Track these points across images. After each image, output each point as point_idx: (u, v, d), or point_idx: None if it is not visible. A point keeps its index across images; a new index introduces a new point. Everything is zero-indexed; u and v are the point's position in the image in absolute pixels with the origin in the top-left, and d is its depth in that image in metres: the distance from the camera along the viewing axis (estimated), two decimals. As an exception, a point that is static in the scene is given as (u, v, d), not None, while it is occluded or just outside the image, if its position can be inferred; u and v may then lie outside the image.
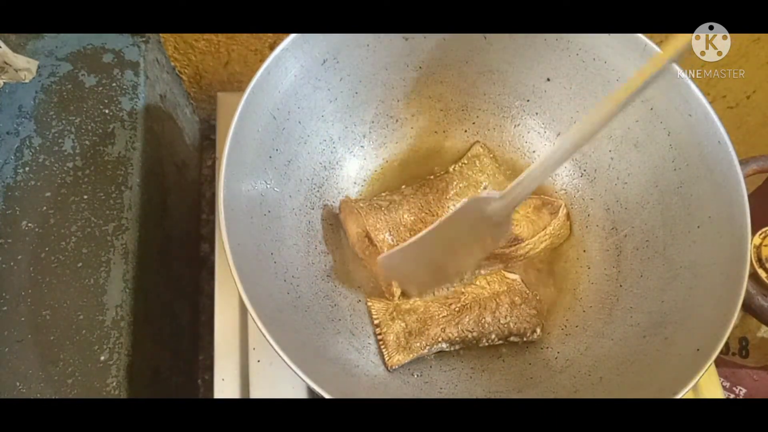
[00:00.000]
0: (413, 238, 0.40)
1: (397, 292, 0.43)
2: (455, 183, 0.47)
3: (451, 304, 0.44)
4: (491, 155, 0.49)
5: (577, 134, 0.34)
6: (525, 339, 0.43)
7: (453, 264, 0.44)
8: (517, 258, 0.46)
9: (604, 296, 0.44)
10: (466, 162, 0.49)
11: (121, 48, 0.52)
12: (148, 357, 0.46)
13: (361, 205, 0.44)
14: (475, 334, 0.43)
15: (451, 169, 0.48)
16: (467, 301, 0.44)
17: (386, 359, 0.41)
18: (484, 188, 0.48)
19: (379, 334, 0.42)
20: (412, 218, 0.45)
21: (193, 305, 0.65)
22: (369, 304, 0.44)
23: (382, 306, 0.44)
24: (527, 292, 0.45)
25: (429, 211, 0.45)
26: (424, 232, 0.40)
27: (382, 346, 0.42)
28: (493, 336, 0.43)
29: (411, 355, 0.41)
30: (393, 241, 0.43)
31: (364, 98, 0.46)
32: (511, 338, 0.43)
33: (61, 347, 0.40)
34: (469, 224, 0.40)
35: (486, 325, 0.43)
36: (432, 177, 0.48)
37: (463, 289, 0.44)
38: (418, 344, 0.42)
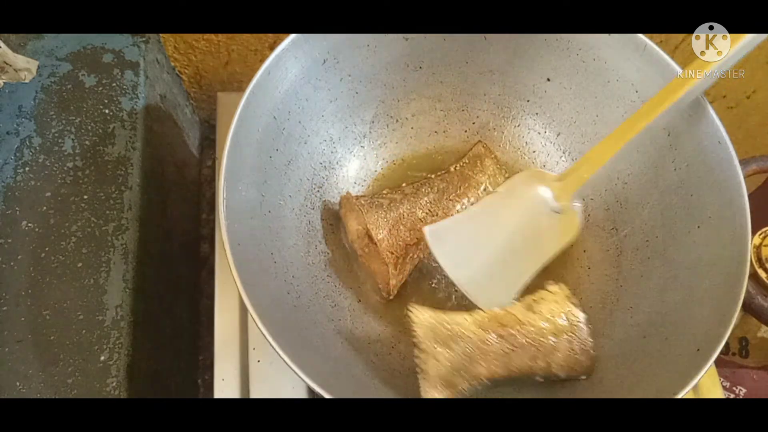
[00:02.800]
0: (467, 211, 0.37)
1: (394, 291, 0.43)
2: (456, 183, 0.47)
3: (505, 338, 0.37)
4: (493, 156, 0.49)
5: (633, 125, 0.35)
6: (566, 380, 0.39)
7: (512, 260, 0.40)
8: None
9: (604, 296, 0.44)
10: (467, 162, 0.49)
11: (121, 48, 0.52)
12: (148, 357, 0.46)
13: (362, 202, 0.44)
14: (520, 375, 0.38)
15: (452, 169, 0.48)
16: (525, 341, 0.37)
17: (421, 392, 0.37)
18: (484, 190, 0.48)
19: (419, 358, 0.37)
20: (411, 218, 0.45)
21: (193, 305, 0.65)
22: (413, 313, 0.38)
23: (430, 323, 0.37)
24: (588, 341, 0.38)
25: (429, 210, 0.45)
26: (478, 205, 0.37)
27: (421, 377, 0.37)
28: (538, 377, 0.38)
29: (450, 394, 0.36)
30: (392, 239, 0.43)
31: (364, 98, 0.46)
32: (554, 379, 0.39)
33: (61, 347, 0.40)
34: (527, 208, 0.38)
35: (536, 369, 0.38)
36: (432, 176, 0.48)
37: (521, 319, 0.38)
38: (462, 382, 0.36)
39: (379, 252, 0.42)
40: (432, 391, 0.36)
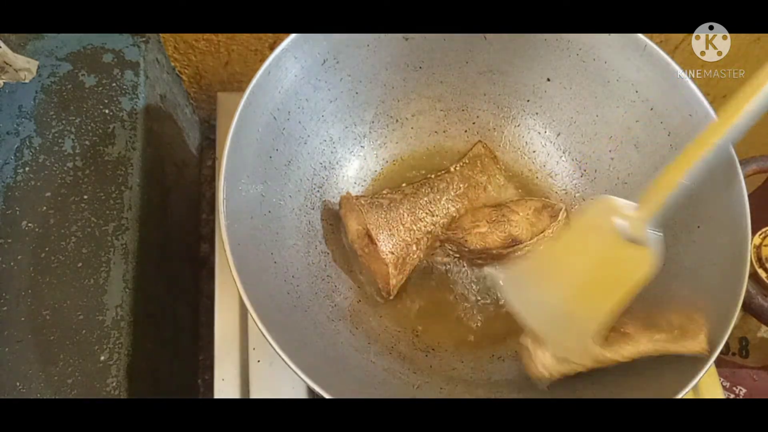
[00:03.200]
0: (536, 254, 0.37)
1: (394, 291, 0.43)
2: (456, 183, 0.47)
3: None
4: (493, 156, 0.49)
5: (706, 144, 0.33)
6: None
7: (583, 302, 0.36)
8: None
9: (604, 296, 0.44)
10: (467, 162, 0.49)
11: (121, 48, 0.52)
12: (148, 357, 0.46)
13: (362, 202, 0.44)
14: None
15: (452, 169, 0.48)
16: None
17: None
18: (484, 189, 0.47)
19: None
20: (411, 218, 0.45)
21: (193, 305, 0.65)
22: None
23: None
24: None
25: (429, 211, 0.45)
26: (548, 245, 0.37)
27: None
28: None
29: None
30: (392, 239, 0.43)
31: (364, 98, 0.46)
32: None
33: (61, 347, 0.40)
34: (598, 240, 0.35)
35: None
36: (432, 176, 0.48)
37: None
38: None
39: (379, 252, 0.43)
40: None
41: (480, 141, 0.50)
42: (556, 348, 0.37)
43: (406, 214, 0.45)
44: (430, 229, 0.45)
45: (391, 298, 0.44)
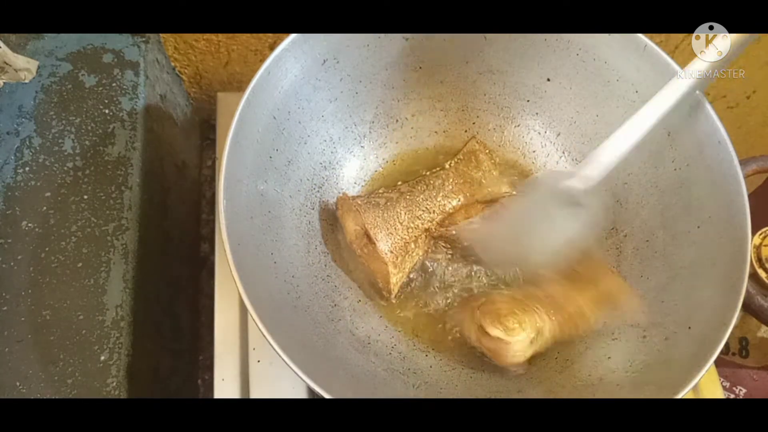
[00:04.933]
0: (496, 215, 0.42)
1: (395, 289, 0.43)
2: (451, 180, 0.47)
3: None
4: (487, 151, 0.49)
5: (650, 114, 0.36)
6: None
7: (532, 247, 0.43)
8: None
9: (604, 296, 0.44)
10: (461, 158, 0.49)
11: (121, 48, 0.52)
12: (148, 357, 0.46)
13: (359, 202, 0.44)
14: None
15: (447, 166, 0.48)
16: None
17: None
18: (479, 184, 0.48)
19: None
20: (408, 216, 0.45)
21: (193, 305, 0.65)
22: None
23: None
24: None
25: (426, 208, 0.45)
26: (504, 208, 0.42)
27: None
28: None
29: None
30: (391, 238, 0.43)
31: (364, 98, 0.46)
32: None
33: (61, 347, 0.40)
34: (543, 203, 0.40)
35: None
36: (428, 173, 0.48)
37: None
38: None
39: (379, 251, 0.43)
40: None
41: (474, 137, 0.50)
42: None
43: (403, 213, 0.45)
44: (427, 227, 0.45)
45: (392, 297, 0.44)
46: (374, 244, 0.43)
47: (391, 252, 0.43)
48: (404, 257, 0.44)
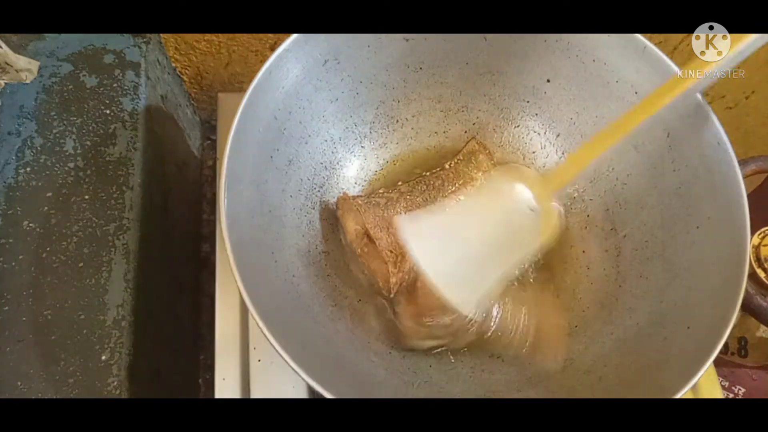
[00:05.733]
0: (443, 203, 0.39)
1: (395, 289, 0.43)
2: (451, 180, 0.47)
3: None
4: (487, 151, 0.49)
5: (614, 132, 0.36)
6: None
7: (484, 257, 0.39)
8: None
9: (603, 296, 0.44)
10: (461, 158, 0.49)
11: (122, 49, 0.52)
12: (149, 357, 0.46)
13: (360, 202, 0.44)
14: None
15: (447, 166, 0.48)
16: None
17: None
18: (479, 183, 0.48)
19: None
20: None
21: (194, 305, 0.65)
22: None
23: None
24: None
25: (426, 209, 0.46)
26: (455, 199, 0.39)
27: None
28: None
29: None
30: (391, 238, 0.43)
31: (364, 99, 0.47)
32: None
33: (62, 347, 0.41)
34: (504, 205, 0.38)
35: None
36: (428, 174, 0.48)
37: None
38: None
39: (379, 251, 0.43)
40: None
41: (474, 137, 0.50)
42: (447, 294, 0.37)
43: (403, 213, 0.45)
44: None
45: (392, 296, 0.44)
46: (374, 243, 0.43)
47: (391, 251, 0.43)
48: (404, 257, 0.44)
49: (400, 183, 0.48)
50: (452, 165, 0.48)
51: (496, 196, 0.39)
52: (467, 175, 0.48)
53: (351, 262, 0.46)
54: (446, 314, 0.39)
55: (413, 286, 0.43)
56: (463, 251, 0.38)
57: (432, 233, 0.38)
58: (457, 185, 0.47)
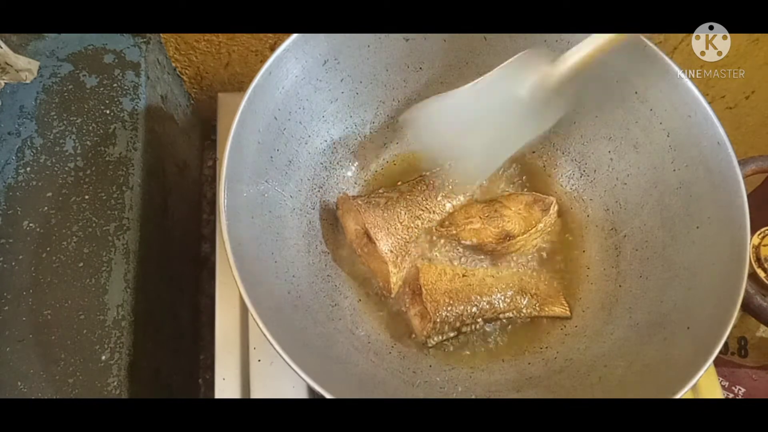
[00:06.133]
0: (447, 93, 0.39)
1: (395, 288, 0.43)
2: (451, 180, 0.47)
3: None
4: None
5: None
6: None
7: (487, 141, 0.41)
8: (509, 254, 0.46)
9: (603, 296, 0.44)
10: None
11: (122, 49, 0.52)
12: (149, 356, 0.46)
13: (360, 202, 0.44)
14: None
15: (447, 165, 0.48)
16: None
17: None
18: (479, 186, 0.48)
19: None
20: (408, 215, 0.45)
21: (194, 305, 0.65)
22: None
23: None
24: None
25: (426, 208, 0.46)
26: (462, 87, 0.39)
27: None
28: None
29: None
30: (391, 238, 0.43)
31: (364, 99, 0.47)
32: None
33: (62, 347, 0.41)
34: (509, 87, 0.38)
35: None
36: (428, 173, 0.49)
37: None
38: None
39: (379, 251, 0.43)
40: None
41: None
42: (457, 176, 0.44)
43: (403, 212, 0.45)
44: (427, 226, 0.46)
45: (393, 296, 0.44)
46: (375, 243, 0.43)
47: (392, 251, 0.43)
48: (404, 257, 0.44)
49: (399, 183, 0.48)
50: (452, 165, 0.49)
51: (504, 81, 0.39)
52: None
53: (351, 262, 0.46)
54: (453, 304, 0.42)
55: (416, 283, 0.43)
56: (468, 135, 0.41)
57: (440, 119, 0.40)
58: (455, 185, 0.47)
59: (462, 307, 0.42)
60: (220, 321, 0.46)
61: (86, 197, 0.45)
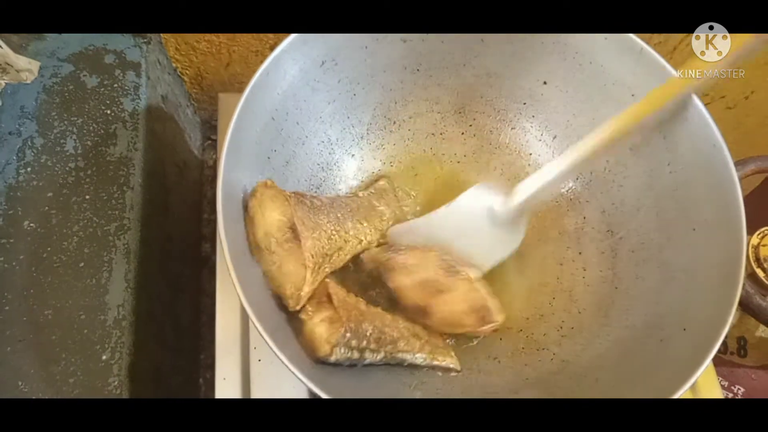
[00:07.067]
0: (426, 216, 0.42)
1: (303, 300, 0.38)
2: (364, 208, 0.45)
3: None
4: (395, 193, 0.49)
5: (586, 147, 0.38)
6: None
7: (461, 256, 0.43)
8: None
9: (599, 298, 0.44)
10: (373, 191, 0.47)
11: (122, 49, 0.52)
12: (150, 356, 0.46)
13: (289, 194, 0.39)
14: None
15: (360, 194, 0.47)
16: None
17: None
18: (386, 219, 0.47)
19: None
20: (330, 227, 0.41)
21: (194, 305, 0.65)
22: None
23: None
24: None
25: (342, 226, 0.42)
26: (433, 212, 0.42)
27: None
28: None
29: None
30: (314, 242, 0.39)
31: (362, 100, 0.47)
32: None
33: (62, 347, 0.41)
34: (475, 215, 0.42)
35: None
36: (345, 195, 0.47)
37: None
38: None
39: (302, 251, 0.38)
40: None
41: (384, 176, 0.50)
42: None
43: (325, 221, 0.41)
44: (342, 245, 0.42)
45: (298, 308, 0.38)
46: (298, 241, 0.38)
47: (312, 257, 0.38)
48: (319, 269, 0.39)
49: (322, 194, 0.46)
50: (365, 195, 0.47)
51: (468, 210, 0.42)
52: (377, 209, 0.46)
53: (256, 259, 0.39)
54: (362, 321, 0.38)
55: (323, 292, 0.39)
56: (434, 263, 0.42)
57: (414, 237, 0.44)
58: (365, 214, 0.45)
59: (370, 327, 0.38)
60: (221, 321, 0.46)
61: (87, 197, 0.46)
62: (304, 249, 0.38)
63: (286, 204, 0.38)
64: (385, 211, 0.47)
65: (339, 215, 0.43)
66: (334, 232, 0.41)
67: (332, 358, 0.36)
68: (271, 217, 0.38)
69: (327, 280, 0.40)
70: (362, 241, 0.44)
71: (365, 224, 0.44)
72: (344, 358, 0.37)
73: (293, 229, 0.38)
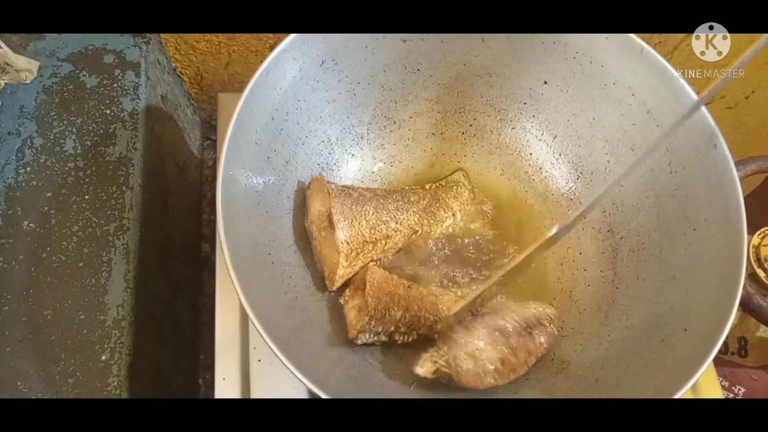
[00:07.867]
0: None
1: (339, 282, 0.42)
2: (427, 201, 0.47)
3: None
4: (470, 187, 0.49)
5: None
6: None
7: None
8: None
9: (600, 298, 0.44)
10: (443, 184, 0.49)
11: (122, 49, 0.52)
12: (149, 356, 0.46)
13: (333, 186, 0.43)
14: None
15: (426, 186, 0.48)
16: None
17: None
18: (453, 214, 0.48)
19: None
20: (375, 217, 0.44)
21: (194, 305, 0.65)
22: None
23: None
24: None
25: (393, 217, 0.45)
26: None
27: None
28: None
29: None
30: (351, 230, 0.42)
31: (362, 100, 0.47)
32: None
33: (62, 347, 0.41)
34: None
35: None
36: (407, 188, 0.48)
37: None
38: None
39: (336, 238, 0.41)
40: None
41: (461, 169, 0.50)
42: None
43: (371, 212, 0.44)
44: (390, 234, 0.44)
45: (334, 289, 0.42)
46: (333, 229, 0.41)
47: (347, 243, 0.42)
48: (358, 255, 0.43)
49: (377, 186, 0.47)
50: (432, 187, 0.48)
51: None
52: (444, 201, 0.47)
53: (306, 245, 0.44)
54: (392, 307, 0.41)
55: (361, 279, 0.42)
56: None
57: None
58: (430, 208, 0.47)
59: (400, 313, 0.41)
60: (220, 321, 0.46)
61: (86, 197, 0.46)
62: (337, 237, 0.41)
63: (327, 195, 0.42)
64: (452, 204, 0.48)
65: (391, 207, 0.45)
66: (380, 222, 0.44)
67: (359, 341, 0.41)
68: (314, 207, 0.43)
69: (371, 264, 0.43)
70: (417, 231, 0.46)
71: (423, 215, 0.46)
72: (371, 341, 0.41)
73: (330, 217, 0.42)
